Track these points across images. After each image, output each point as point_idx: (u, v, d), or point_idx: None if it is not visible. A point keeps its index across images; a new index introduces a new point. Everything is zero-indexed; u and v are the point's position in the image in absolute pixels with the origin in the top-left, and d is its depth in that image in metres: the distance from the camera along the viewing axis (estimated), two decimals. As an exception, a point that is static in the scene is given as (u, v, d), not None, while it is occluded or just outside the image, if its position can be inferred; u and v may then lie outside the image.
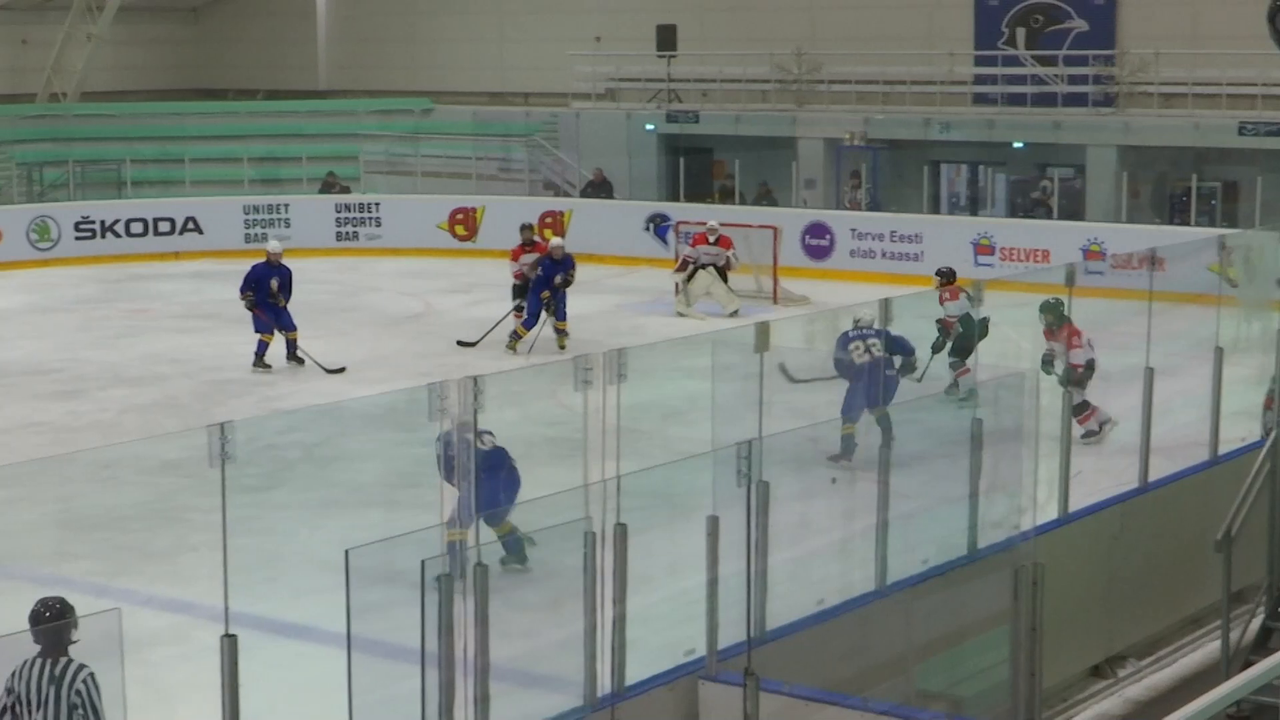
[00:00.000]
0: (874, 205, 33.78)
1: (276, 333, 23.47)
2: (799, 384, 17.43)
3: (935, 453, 13.55)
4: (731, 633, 10.38)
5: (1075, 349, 17.36)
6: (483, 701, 9.27)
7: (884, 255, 31.29)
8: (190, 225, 34.91)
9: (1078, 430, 16.69)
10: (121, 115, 40.22)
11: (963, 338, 18.68)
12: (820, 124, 35.37)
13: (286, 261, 23.99)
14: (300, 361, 23.50)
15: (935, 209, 33.86)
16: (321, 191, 36.52)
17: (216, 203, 35.59)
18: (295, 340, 23.59)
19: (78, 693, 8.34)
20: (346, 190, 36.43)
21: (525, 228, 26.29)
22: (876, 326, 16.77)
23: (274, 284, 23.49)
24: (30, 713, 8.28)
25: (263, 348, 23.40)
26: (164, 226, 34.80)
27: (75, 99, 41.86)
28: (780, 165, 34.49)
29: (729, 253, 27.62)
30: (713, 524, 10.10)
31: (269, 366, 23.16)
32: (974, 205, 35.19)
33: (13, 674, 8.31)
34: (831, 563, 12.33)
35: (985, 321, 16.91)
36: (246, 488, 11.24)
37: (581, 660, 9.78)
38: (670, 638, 10.76)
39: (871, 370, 16.96)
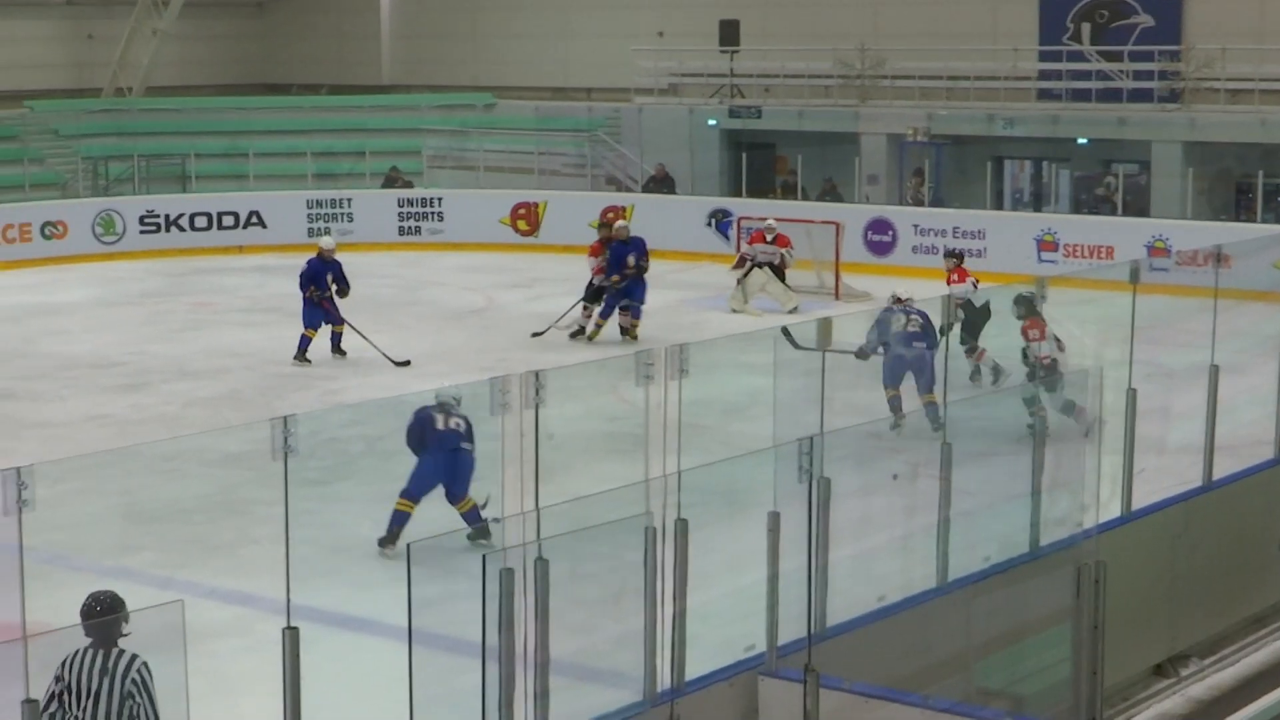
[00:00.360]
0: (937, 201, 33.65)
1: (322, 326, 23.65)
2: (802, 351, 17.57)
3: (997, 450, 13.52)
4: (792, 629, 10.36)
5: (1034, 342, 17.34)
6: (542, 696, 9.28)
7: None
8: (254, 219, 35.05)
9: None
10: (186, 110, 40.44)
11: (969, 320, 19.07)
12: (883, 119, 35.26)
13: (343, 256, 24.11)
14: (344, 354, 23.61)
15: (998, 205, 33.74)
16: (384, 186, 36.62)
17: (280, 197, 35.70)
18: (341, 334, 23.70)
19: (133, 682, 8.39)
20: (409, 185, 36.51)
21: (604, 225, 26.24)
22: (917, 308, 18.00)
23: (329, 278, 23.58)
24: (80, 702, 8.32)
25: (305, 343, 23.52)
26: (228, 221, 34.96)
27: (140, 94, 42.10)
28: (843, 161, 34.41)
29: (784, 251, 27.49)
30: (774, 520, 10.09)
31: (309, 361, 23.23)
32: (1038, 201, 35.04)
33: (63, 664, 8.38)
34: (892, 559, 12.31)
35: (987, 304, 16.90)
36: (309, 481, 11.29)
37: (641, 655, 9.77)
38: (730, 633, 10.76)
39: (913, 339, 17.75)
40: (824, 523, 10.54)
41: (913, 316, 18.34)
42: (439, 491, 14.55)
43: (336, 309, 23.68)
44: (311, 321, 23.70)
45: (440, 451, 14.48)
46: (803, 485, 10.19)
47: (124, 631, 8.46)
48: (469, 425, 14.53)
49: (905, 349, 18.46)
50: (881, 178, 34.84)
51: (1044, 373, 16.66)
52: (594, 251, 25.50)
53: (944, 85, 35.46)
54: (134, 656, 8.41)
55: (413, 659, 8.83)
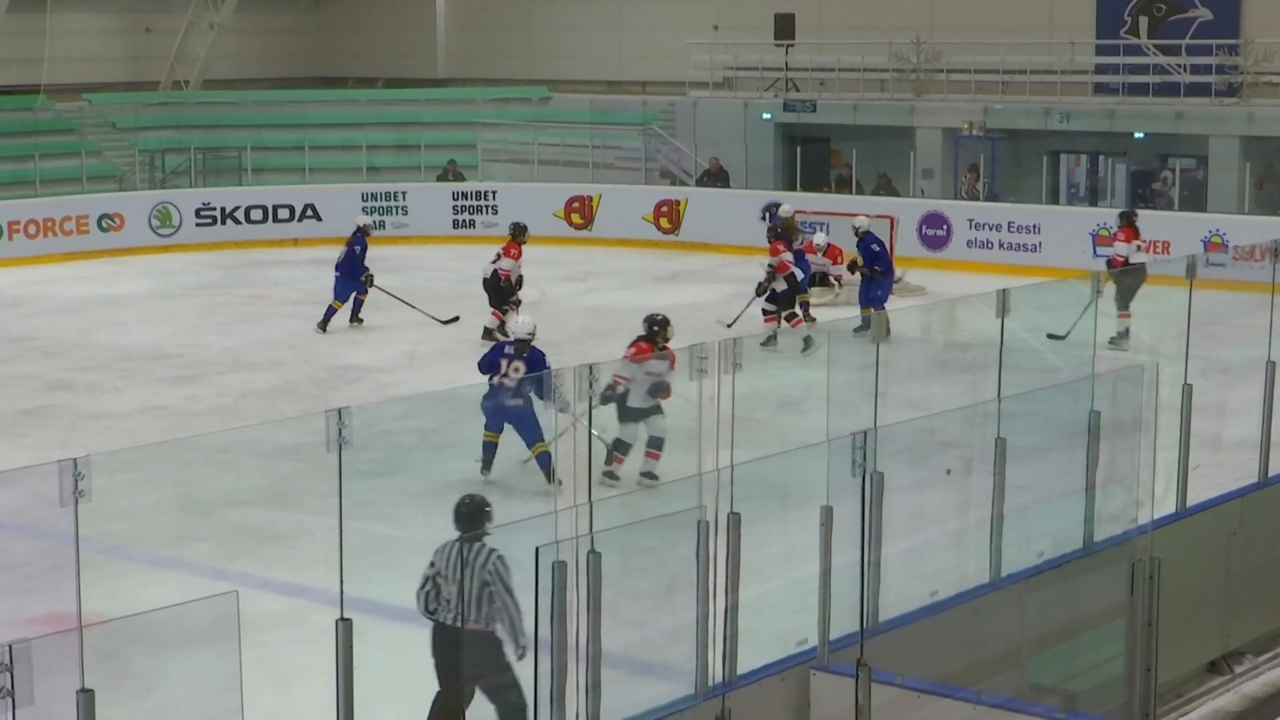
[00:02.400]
0: (992, 195, 33.52)
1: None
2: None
3: (1052, 445, 13.46)
4: (844, 623, 10.35)
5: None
6: (594, 688, 9.29)
7: (1001, 246, 31.05)
8: (309, 212, 35.18)
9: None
10: (243, 103, 40.58)
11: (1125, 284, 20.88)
12: (939, 113, 35.16)
13: (397, 249, 24.59)
14: (361, 321, 25.21)
15: (1054, 200, 33.56)
16: (439, 179, 36.70)
17: (336, 190, 35.84)
18: (364, 301, 25.45)
19: (490, 571, 9.69)
20: (461, 178, 36.58)
21: (782, 221, 26.04)
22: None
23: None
24: (448, 585, 9.86)
25: (331, 313, 24.86)
26: (283, 213, 35.09)
27: (197, 87, 42.29)
28: (898, 155, 34.30)
29: (834, 266, 26.70)
30: (827, 514, 10.08)
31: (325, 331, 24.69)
32: (1093, 196, 34.86)
33: (436, 551, 9.96)
34: (945, 554, 12.28)
35: (1143, 268, 16.71)
36: (362, 473, 11.32)
37: (693, 649, 9.78)
38: (782, 627, 10.75)
39: None
40: (877, 517, 10.53)
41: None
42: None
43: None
44: (344, 294, 24.95)
45: (498, 398, 15.78)
46: (856, 479, 10.19)
47: (488, 531, 9.94)
48: (537, 361, 16.17)
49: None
50: (936, 172, 34.73)
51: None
52: (775, 251, 24.58)
53: (1000, 79, 35.30)
54: (492, 550, 9.75)
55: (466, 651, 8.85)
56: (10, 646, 7.36)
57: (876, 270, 24.64)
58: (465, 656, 9.96)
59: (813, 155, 35.87)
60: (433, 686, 10.51)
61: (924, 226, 31.63)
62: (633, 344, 17.28)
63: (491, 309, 24.48)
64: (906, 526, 11.56)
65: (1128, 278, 21.99)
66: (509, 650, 9.73)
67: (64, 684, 7.97)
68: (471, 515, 10.13)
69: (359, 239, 25.62)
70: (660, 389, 15.65)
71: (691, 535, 9.58)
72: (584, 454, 10.26)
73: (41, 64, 37.93)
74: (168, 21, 43.40)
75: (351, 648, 9.17)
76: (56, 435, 18.80)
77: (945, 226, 31.59)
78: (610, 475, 15.50)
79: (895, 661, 10.27)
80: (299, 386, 21.42)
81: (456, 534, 9.99)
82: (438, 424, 16.23)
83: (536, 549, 8.85)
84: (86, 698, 8.01)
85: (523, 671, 9.54)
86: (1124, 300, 21.22)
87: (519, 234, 25.12)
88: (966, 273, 28.03)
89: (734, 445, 10.34)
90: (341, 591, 9.36)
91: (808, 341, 22.40)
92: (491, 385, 16.07)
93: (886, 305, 24.27)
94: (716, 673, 9.93)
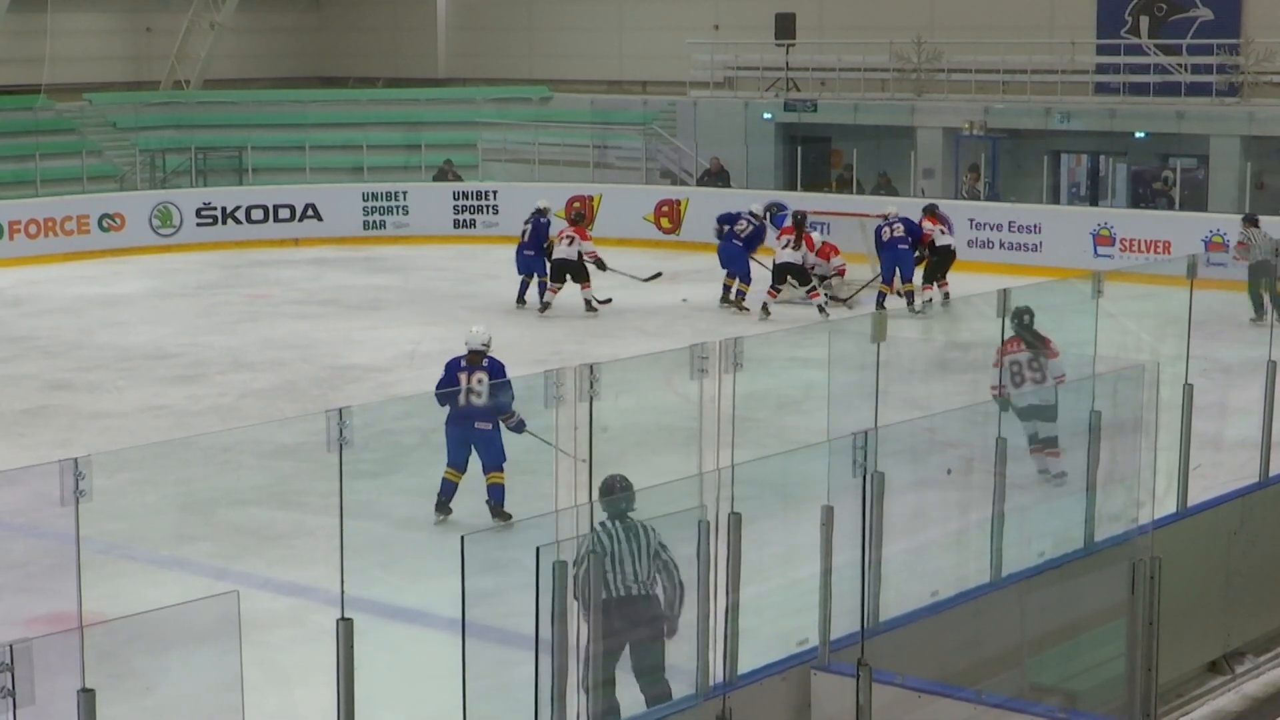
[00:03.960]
0: (993, 195, 33.52)
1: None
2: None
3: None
4: (845, 623, 10.34)
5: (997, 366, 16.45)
6: (595, 688, 9.28)
7: (1002, 245, 31.03)
8: (310, 212, 35.18)
9: None
10: (243, 103, 40.59)
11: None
12: (939, 113, 35.15)
13: (398, 248, 24.49)
14: (524, 303, 27.07)
15: (1055, 199, 33.55)
16: (436, 179, 36.70)
17: (336, 190, 35.84)
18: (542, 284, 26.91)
19: (660, 543, 9.96)
20: (458, 178, 36.58)
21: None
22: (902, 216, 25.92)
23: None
24: (622, 559, 9.98)
25: (525, 287, 27.20)
26: (284, 213, 35.09)
27: (198, 86, 42.29)
28: (899, 155, 34.29)
29: (828, 264, 27.16)
30: (827, 514, 10.06)
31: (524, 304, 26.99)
32: (1094, 196, 34.85)
33: (596, 535, 9.80)
34: (946, 554, 12.27)
35: None
36: (363, 473, 11.34)
37: (694, 648, 9.77)
38: (783, 627, 10.74)
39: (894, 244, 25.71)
40: (878, 517, 10.51)
41: (895, 225, 26.12)
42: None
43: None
44: (528, 269, 27.20)
45: (458, 425, 15.21)
46: (857, 479, 10.17)
47: (633, 508, 10.07)
48: (496, 373, 15.43)
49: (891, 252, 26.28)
50: (937, 172, 34.71)
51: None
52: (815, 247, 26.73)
53: (1000, 79, 35.31)
54: (652, 525, 10.03)
55: (466, 651, 8.85)
56: (11, 646, 7.36)
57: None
58: (641, 624, 10.14)
59: (813, 155, 35.88)
60: (437, 687, 10.53)
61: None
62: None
63: (580, 284, 26.47)
64: (907, 526, 11.55)
65: (935, 256, 26.71)
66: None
67: (65, 683, 7.96)
68: (620, 494, 10.27)
69: (542, 217, 27.27)
70: None
71: (692, 535, 9.58)
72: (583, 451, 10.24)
73: (42, 64, 37.94)
74: (168, 21, 43.40)
75: (352, 647, 9.16)
76: (57, 435, 18.79)
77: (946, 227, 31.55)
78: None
79: (896, 661, 10.25)
80: (299, 386, 21.41)
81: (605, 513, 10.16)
82: (438, 423, 16.19)
83: (537, 549, 8.84)
84: (87, 697, 8.00)
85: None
86: (929, 276, 26.50)
87: (582, 219, 27.91)
88: (967, 273, 27.97)
89: (735, 445, 10.33)
90: (343, 591, 9.35)
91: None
92: (457, 407, 15.34)
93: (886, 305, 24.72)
94: (717, 672, 9.92)
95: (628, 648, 10.06)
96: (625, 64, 42.84)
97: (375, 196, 35.47)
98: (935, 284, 26.78)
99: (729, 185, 35.34)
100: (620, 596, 10.01)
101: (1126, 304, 16.79)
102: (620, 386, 10.43)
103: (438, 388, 15.69)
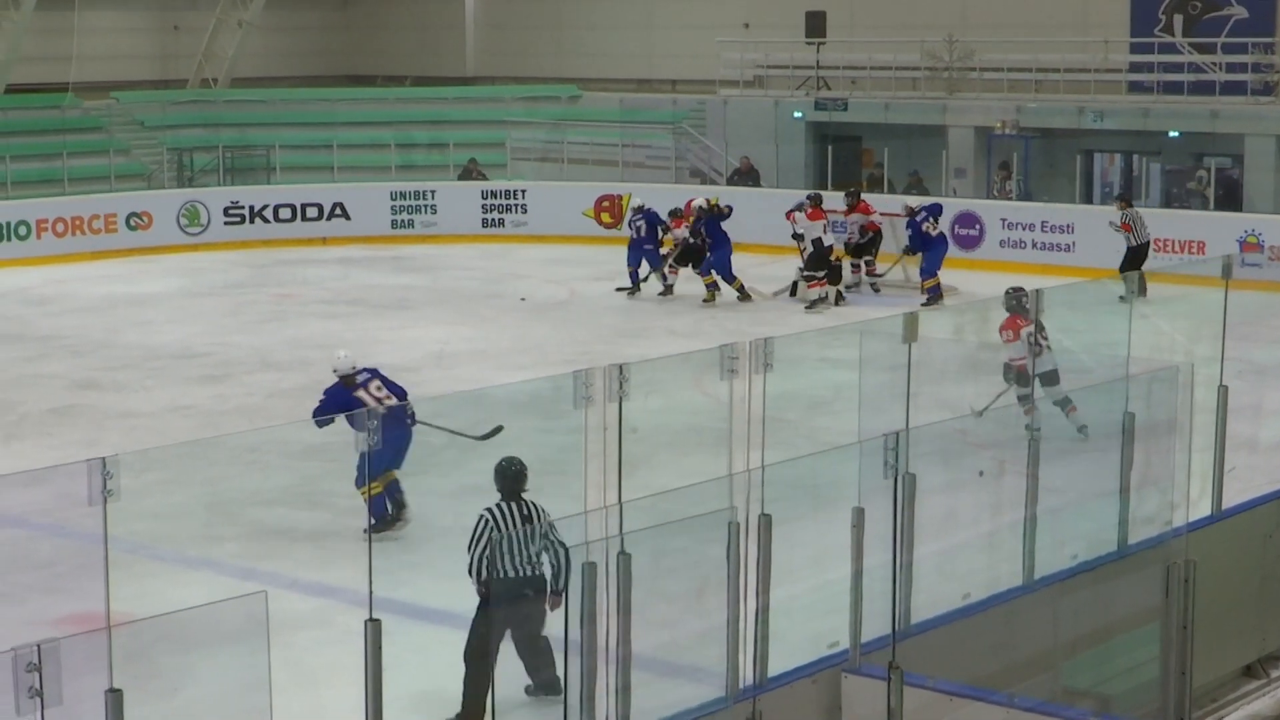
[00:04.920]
0: (1025, 195, 33.38)
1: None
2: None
3: (1085, 446, 13.39)
4: (875, 626, 10.30)
5: (1008, 344, 17.26)
6: (624, 690, 9.26)
7: (1034, 245, 30.88)
8: (338, 211, 35.17)
9: None
10: (271, 102, 40.61)
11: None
12: (971, 112, 35.01)
13: (426, 248, 24.44)
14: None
15: (1087, 199, 33.37)
16: (461, 178, 36.67)
17: (364, 189, 35.84)
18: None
19: (547, 522, 10.87)
20: (484, 177, 36.55)
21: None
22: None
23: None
24: (516, 544, 10.72)
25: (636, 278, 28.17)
26: (312, 212, 35.09)
27: (225, 85, 42.33)
28: (930, 154, 34.17)
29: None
30: (858, 515, 10.03)
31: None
32: (1128, 195, 34.67)
33: (494, 518, 10.94)
34: (978, 556, 12.22)
35: None
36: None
37: (724, 651, 9.74)
38: (813, 630, 10.70)
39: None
40: (909, 519, 10.47)
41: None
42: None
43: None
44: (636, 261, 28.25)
45: (401, 428, 14.80)
46: (888, 481, 10.13)
47: (526, 489, 11.11)
48: (382, 376, 15.68)
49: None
50: (969, 171, 34.60)
51: (1015, 375, 16.32)
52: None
53: (1033, 78, 35.15)
54: (538, 505, 11.06)
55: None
56: (39, 646, 7.35)
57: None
58: (537, 600, 10.73)
59: (844, 154, 35.73)
60: (459, 689, 10.49)
61: (956, 226, 31.47)
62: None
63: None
64: (939, 528, 11.50)
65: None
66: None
67: (92, 684, 7.96)
68: (519, 475, 11.13)
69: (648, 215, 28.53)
70: None
71: (722, 536, 9.54)
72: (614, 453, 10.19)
73: (70, 62, 37.97)
74: (196, 19, 43.49)
75: (380, 648, 9.13)
76: (83, 434, 18.78)
77: (978, 226, 31.46)
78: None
79: (927, 664, 10.21)
80: (326, 385, 21.33)
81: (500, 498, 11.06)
82: (466, 424, 16.13)
83: (567, 550, 8.79)
84: (114, 698, 7.99)
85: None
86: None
87: (819, 201, 28.22)
88: (999, 273, 27.87)
89: (765, 446, 10.28)
90: (370, 592, 9.32)
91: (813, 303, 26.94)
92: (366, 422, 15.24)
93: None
94: (747, 675, 9.90)
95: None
96: (655, 62, 42.79)
97: (403, 196, 35.46)
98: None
99: (759, 184, 35.24)
100: (514, 577, 10.71)
101: (1160, 305, 16.75)
102: (650, 387, 10.38)
103: (325, 411, 15.30)
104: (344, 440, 9.06)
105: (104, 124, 37.85)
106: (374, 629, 9.10)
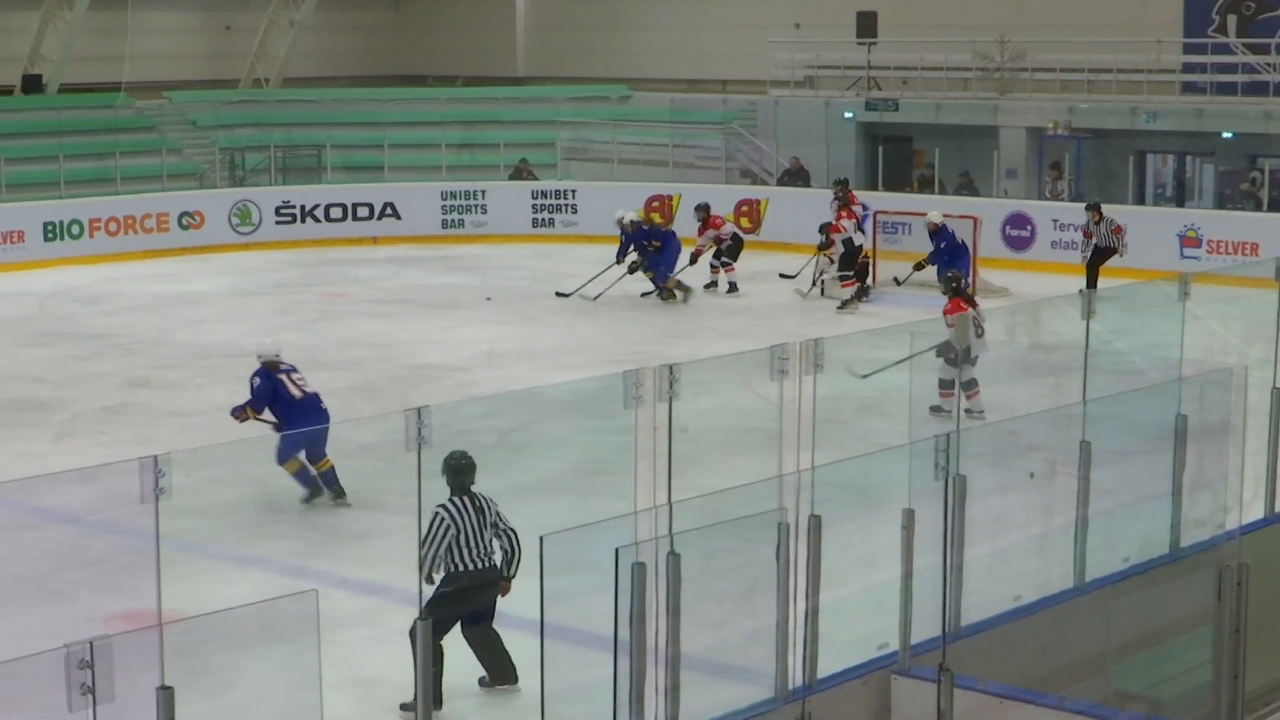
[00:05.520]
0: (1076, 196, 33.23)
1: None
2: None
3: (1138, 448, 13.30)
4: (925, 628, 10.26)
5: (950, 328, 18.10)
6: (673, 690, 9.23)
7: (1086, 247, 30.76)
8: (388, 211, 35.26)
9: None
10: (322, 101, 40.72)
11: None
12: (1023, 113, 34.86)
13: (475, 247, 24.42)
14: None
15: (1140, 200, 33.23)
16: (512, 178, 36.70)
17: (415, 188, 35.90)
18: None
19: (496, 512, 11.39)
20: (534, 177, 36.57)
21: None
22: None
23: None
24: (472, 536, 11.15)
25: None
26: (363, 212, 35.19)
27: (277, 85, 42.48)
28: (981, 154, 34.05)
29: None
30: (908, 517, 9.99)
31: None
32: (1180, 196, 34.51)
33: (447, 513, 11.14)
34: (1029, 559, 12.17)
35: None
36: (440, 473, 11.29)
37: (773, 652, 9.71)
38: (863, 631, 10.67)
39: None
40: (959, 520, 10.43)
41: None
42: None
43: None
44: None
45: (306, 418, 16.01)
46: (938, 482, 10.10)
47: (474, 482, 11.40)
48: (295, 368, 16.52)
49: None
50: (1020, 172, 34.46)
51: (952, 354, 17.66)
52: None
53: (1085, 78, 34.99)
54: (487, 496, 11.42)
55: (544, 651, 8.80)
56: (91, 643, 7.39)
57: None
58: (490, 590, 11.25)
59: (895, 155, 35.66)
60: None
61: (1007, 227, 31.39)
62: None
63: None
64: (989, 530, 11.45)
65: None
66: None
67: (143, 681, 7.98)
68: (468, 468, 11.38)
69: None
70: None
71: (772, 537, 9.52)
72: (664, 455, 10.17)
73: (123, 62, 38.16)
74: (248, 19, 43.66)
75: (430, 647, 9.13)
76: (135, 433, 18.85)
77: (1029, 227, 31.34)
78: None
79: (978, 666, 10.17)
80: (377, 385, 21.42)
81: (456, 493, 11.37)
82: (516, 423, 16.18)
83: (616, 550, 8.78)
84: (166, 695, 8.02)
85: None
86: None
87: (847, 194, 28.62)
88: (1050, 274, 27.78)
89: (815, 447, 10.25)
90: (420, 591, 9.33)
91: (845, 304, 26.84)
92: (299, 402, 16.05)
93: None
94: (796, 676, 9.86)
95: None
96: (705, 62, 42.77)
97: (454, 195, 35.52)
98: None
99: (809, 185, 35.16)
100: (469, 570, 11.08)
101: (1213, 306, 16.62)
102: (699, 387, 10.36)
103: (261, 401, 16.16)
104: (394, 440, 9.05)
105: (157, 124, 38.02)
106: (424, 628, 9.12)
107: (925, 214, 29.23)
